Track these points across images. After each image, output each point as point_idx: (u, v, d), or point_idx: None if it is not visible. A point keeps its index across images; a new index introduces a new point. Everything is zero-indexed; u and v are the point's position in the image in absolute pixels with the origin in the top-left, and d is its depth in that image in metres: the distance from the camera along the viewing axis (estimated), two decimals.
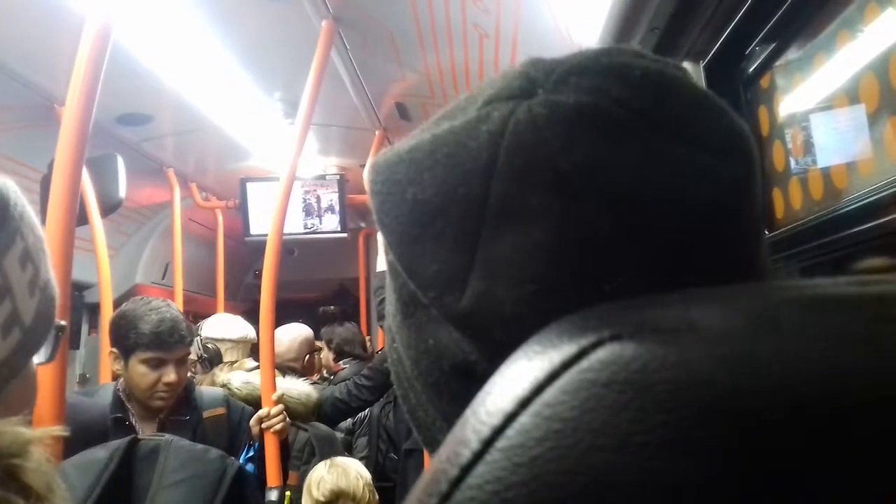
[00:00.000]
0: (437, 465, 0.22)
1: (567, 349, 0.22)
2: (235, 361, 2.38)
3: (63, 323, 0.62)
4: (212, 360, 2.40)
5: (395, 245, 0.32)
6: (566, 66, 0.31)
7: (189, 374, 2.50)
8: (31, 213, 0.57)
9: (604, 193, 0.28)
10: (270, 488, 1.89)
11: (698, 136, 0.29)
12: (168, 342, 1.70)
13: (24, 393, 0.57)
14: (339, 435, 2.67)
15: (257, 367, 2.31)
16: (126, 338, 1.72)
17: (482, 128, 0.30)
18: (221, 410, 1.90)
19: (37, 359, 0.59)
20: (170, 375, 1.71)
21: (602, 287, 0.28)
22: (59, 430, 0.51)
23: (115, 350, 1.76)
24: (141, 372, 1.71)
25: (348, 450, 2.80)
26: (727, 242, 0.30)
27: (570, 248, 0.28)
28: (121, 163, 2.23)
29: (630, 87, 0.29)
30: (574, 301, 0.27)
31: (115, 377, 1.89)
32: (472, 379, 0.30)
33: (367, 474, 1.90)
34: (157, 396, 1.72)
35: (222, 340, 2.42)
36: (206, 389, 2.02)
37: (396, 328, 0.36)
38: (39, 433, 0.47)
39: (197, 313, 4.08)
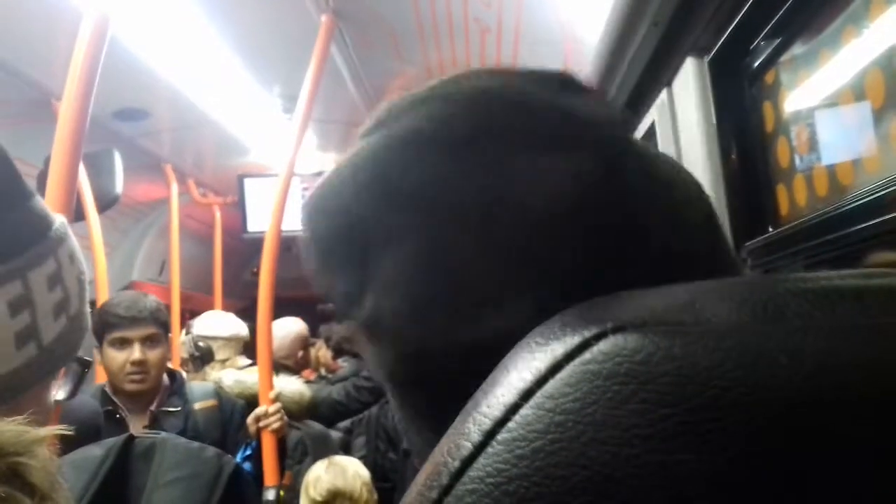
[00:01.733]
0: (437, 457, 0.22)
1: (570, 340, 0.22)
2: (227, 359, 2.38)
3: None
4: (203, 357, 2.39)
5: (316, 280, 0.36)
6: (407, 100, 0.34)
7: (181, 370, 2.51)
8: (77, 249, 0.59)
9: (448, 206, 0.30)
10: (268, 487, 1.89)
11: (543, 140, 0.31)
12: (125, 318, 1.72)
13: (35, 413, 0.57)
14: (337, 434, 2.66)
15: (249, 365, 2.30)
16: (97, 325, 1.75)
17: (346, 163, 0.34)
18: (213, 402, 1.92)
19: (57, 395, 0.60)
20: (135, 354, 1.72)
21: (470, 298, 0.30)
22: (63, 430, 0.51)
23: (97, 344, 1.78)
24: (110, 355, 1.73)
25: (346, 450, 2.79)
26: (595, 240, 0.30)
27: (434, 261, 0.30)
28: (118, 158, 2.23)
29: (462, 108, 0.32)
30: (445, 312, 0.30)
31: None
32: (397, 382, 0.34)
33: (365, 473, 1.90)
34: (129, 379, 1.73)
35: (214, 338, 2.42)
36: (197, 383, 2.05)
37: None
38: (44, 432, 0.47)
39: (194, 311, 4.08)
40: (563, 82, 0.34)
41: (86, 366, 0.63)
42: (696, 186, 0.35)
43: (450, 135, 0.32)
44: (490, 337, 0.29)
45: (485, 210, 0.30)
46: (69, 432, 0.52)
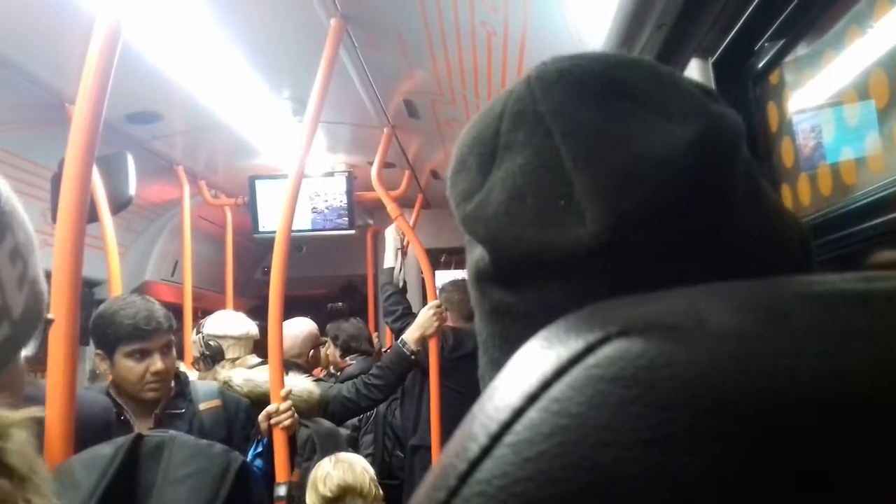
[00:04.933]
0: (445, 459, 0.22)
1: (574, 345, 0.22)
2: (237, 358, 2.38)
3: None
4: (214, 357, 2.40)
5: (450, 183, 0.43)
6: (569, 54, 0.41)
7: (192, 369, 2.51)
8: (22, 210, 0.58)
9: (566, 131, 0.37)
10: (279, 483, 1.90)
11: (663, 107, 0.37)
12: (146, 331, 1.72)
13: (12, 383, 0.58)
14: (345, 432, 2.67)
15: (259, 364, 2.31)
16: (105, 335, 1.73)
17: (512, 86, 0.42)
18: (217, 402, 1.91)
19: (23, 352, 0.60)
20: (156, 364, 1.72)
21: (557, 202, 0.36)
22: (37, 412, 0.52)
23: (99, 351, 1.77)
24: (127, 366, 1.72)
25: (354, 447, 2.79)
26: (677, 194, 0.35)
27: (537, 170, 0.37)
28: (131, 161, 2.24)
29: (605, 66, 0.40)
30: (534, 211, 0.37)
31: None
32: (486, 280, 0.41)
33: (370, 469, 1.91)
34: (149, 388, 1.74)
35: (224, 337, 2.42)
36: (200, 383, 2.04)
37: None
38: (20, 415, 0.48)
39: (206, 309, 4.09)
40: (700, 86, 0.40)
41: (48, 323, 0.63)
42: (794, 220, 0.41)
43: (591, 82, 0.38)
44: (561, 248, 0.35)
45: (594, 145, 0.36)
46: (40, 415, 0.53)
